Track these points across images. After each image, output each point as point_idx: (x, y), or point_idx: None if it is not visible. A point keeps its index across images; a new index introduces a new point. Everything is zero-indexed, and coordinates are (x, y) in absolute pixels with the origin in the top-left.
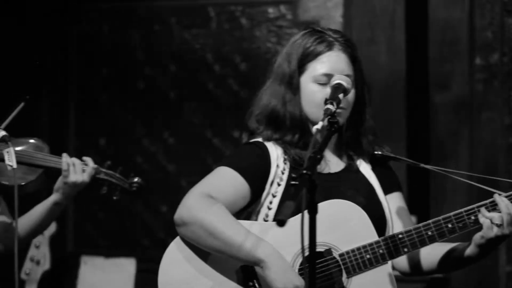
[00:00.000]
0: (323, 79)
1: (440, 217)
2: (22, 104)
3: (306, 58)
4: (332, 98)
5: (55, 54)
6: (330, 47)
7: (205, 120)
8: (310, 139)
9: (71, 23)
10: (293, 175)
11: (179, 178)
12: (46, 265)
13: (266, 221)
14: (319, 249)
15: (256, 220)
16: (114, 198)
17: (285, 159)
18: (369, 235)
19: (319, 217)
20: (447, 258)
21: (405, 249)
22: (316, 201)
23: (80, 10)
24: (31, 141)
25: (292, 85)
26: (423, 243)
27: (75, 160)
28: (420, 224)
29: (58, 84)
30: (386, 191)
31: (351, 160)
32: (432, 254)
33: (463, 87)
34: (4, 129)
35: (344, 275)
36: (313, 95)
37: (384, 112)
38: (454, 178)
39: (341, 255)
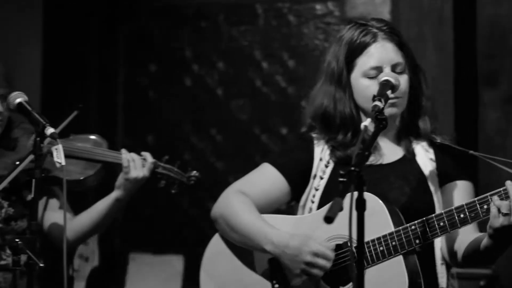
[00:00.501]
0: (373, 73)
1: (453, 207)
2: (75, 113)
3: (353, 54)
4: (380, 95)
5: (104, 52)
6: (375, 38)
7: (253, 117)
8: (366, 137)
9: (120, 21)
10: (341, 172)
11: (227, 175)
12: (94, 261)
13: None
14: (338, 241)
15: (302, 213)
16: (173, 191)
17: (330, 153)
18: (386, 228)
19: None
20: (472, 249)
21: (417, 241)
22: (364, 199)
23: (129, 8)
24: (91, 137)
25: (342, 83)
26: (435, 234)
27: (134, 155)
28: (433, 215)
29: (107, 81)
30: (445, 180)
31: (410, 147)
32: (464, 243)
33: (511, 83)
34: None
35: None
36: (366, 90)
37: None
38: (501, 171)
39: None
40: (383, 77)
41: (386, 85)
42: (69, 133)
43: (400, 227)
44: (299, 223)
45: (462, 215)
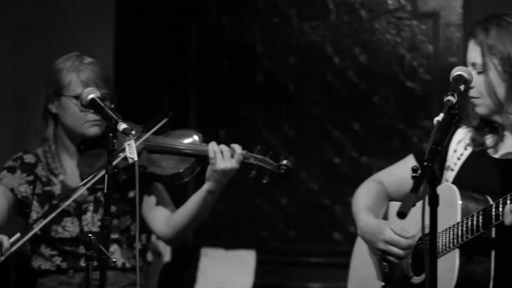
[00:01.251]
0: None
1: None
2: (165, 120)
3: None
4: (453, 90)
5: (176, 48)
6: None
7: (325, 112)
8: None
9: (191, 16)
10: (413, 167)
11: (299, 170)
12: (166, 257)
13: None
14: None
15: None
16: (264, 182)
17: (467, 145)
18: (452, 221)
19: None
20: None
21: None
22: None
23: (201, 4)
24: (184, 132)
25: None
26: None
27: (223, 147)
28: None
29: (178, 76)
30: None
31: None
32: None
33: None
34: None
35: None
36: None
37: None
38: None
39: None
40: (456, 71)
41: (459, 80)
42: (142, 120)
43: (458, 220)
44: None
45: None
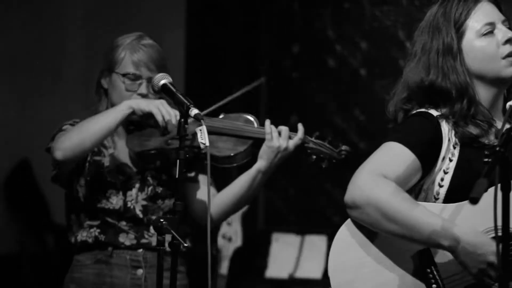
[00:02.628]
0: (486, 28)
1: None
2: (261, 80)
3: (459, 20)
4: None
5: (247, 33)
6: (475, 1)
7: None
8: (480, 108)
9: (262, 2)
10: (486, 152)
11: (368, 155)
12: (238, 242)
13: (436, 198)
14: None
15: (425, 197)
16: (323, 166)
17: (456, 133)
18: None
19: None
20: None
21: None
22: (509, 178)
23: None
24: (242, 115)
25: (452, 52)
26: None
27: (283, 127)
28: None
29: (250, 62)
30: None
31: None
32: None
33: None
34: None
35: None
36: (485, 50)
37: None
38: None
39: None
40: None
41: None
42: (221, 112)
43: None
44: (448, 213)
45: None
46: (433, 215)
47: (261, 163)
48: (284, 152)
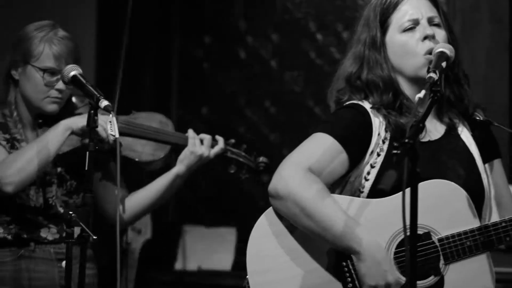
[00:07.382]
0: (408, 24)
1: None
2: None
3: (385, 13)
4: (435, 67)
5: (158, 24)
6: None
7: (307, 89)
8: (406, 102)
9: None
10: (395, 144)
11: (281, 147)
12: (147, 234)
13: (361, 191)
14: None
15: (350, 189)
16: (242, 177)
17: (386, 127)
18: (470, 220)
19: (419, 197)
20: None
21: (508, 238)
22: (417, 171)
23: None
24: (155, 115)
25: (376, 46)
26: None
27: (205, 135)
28: None
29: (161, 53)
30: (486, 159)
31: (452, 123)
32: None
33: None
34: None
35: (442, 261)
36: (405, 45)
37: (487, 82)
38: None
39: (440, 239)
40: (438, 48)
41: (441, 57)
42: (131, 109)
43: (490, 223)
44: (366, 208)
45: None
46: (346, 221)
47: (180, 168)
48: (205, 160)
